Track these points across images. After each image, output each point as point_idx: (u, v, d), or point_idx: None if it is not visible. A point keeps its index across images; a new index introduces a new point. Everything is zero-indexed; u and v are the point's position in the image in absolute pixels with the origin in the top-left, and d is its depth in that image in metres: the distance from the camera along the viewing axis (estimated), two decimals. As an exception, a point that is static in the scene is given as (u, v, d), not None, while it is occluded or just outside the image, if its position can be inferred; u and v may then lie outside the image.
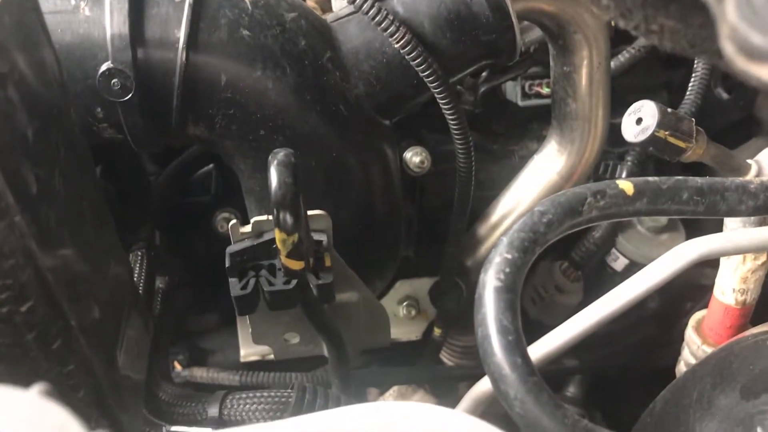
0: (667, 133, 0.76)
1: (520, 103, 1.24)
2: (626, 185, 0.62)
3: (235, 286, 0.74)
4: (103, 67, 0.71)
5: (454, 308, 1.03)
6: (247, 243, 0.75)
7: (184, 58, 0.72)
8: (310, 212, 0.77)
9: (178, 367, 1.19)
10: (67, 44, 0.71)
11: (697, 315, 1.00)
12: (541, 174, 1.03)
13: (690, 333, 0.99)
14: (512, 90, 1.24)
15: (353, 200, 0.86)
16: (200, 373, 1.17)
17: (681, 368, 1.02)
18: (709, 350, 0.95)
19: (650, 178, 0.64)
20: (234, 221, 0.75)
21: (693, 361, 0.99)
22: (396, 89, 0.84)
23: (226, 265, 0.74)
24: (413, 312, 1.03)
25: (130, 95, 0.72)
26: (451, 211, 1.01)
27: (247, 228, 0.76)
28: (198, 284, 1.15)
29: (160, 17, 0.73)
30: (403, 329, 1.04)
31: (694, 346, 0.97)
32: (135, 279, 0.86)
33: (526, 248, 0.56)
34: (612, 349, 1.26)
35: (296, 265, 0.63)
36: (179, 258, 1.07)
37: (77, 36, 0.71)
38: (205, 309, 1.24)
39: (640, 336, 1.28)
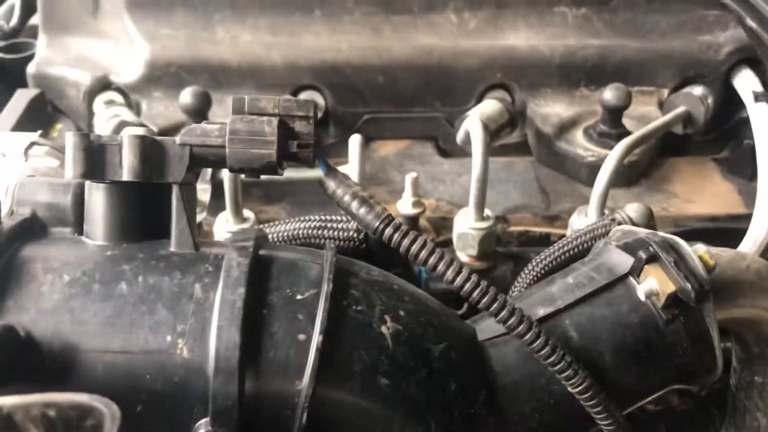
0: None
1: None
2: None
3: None
4: (200, 431, 0.54)
5: None
6: None
7: (303, 420, 0.55)
8: None
9: None
10: (156, 394, 0.55)
11: None
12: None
13: None
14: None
15: None
16: None
17: None
18: None
19: None
20: None
21: None
22: (560, 430, 0.65)
23: None
24: None
25: (230, 463, 0.55)
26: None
27: None
28: None
29: (277, 363, 0.56)
30: None
31: None
32: None
33: None
34: None
35: None
36: None
37: (170, 385, 0.55)
38: None
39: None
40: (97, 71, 1.24)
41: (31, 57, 1.28)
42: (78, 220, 0.63)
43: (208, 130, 0.60)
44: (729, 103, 1.27)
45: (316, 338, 0.56)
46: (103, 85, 1.24)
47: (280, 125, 0.59)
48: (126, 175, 0.59)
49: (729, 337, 0.80)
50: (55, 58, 1.26)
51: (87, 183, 0.62)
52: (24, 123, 1.14)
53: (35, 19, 1.37)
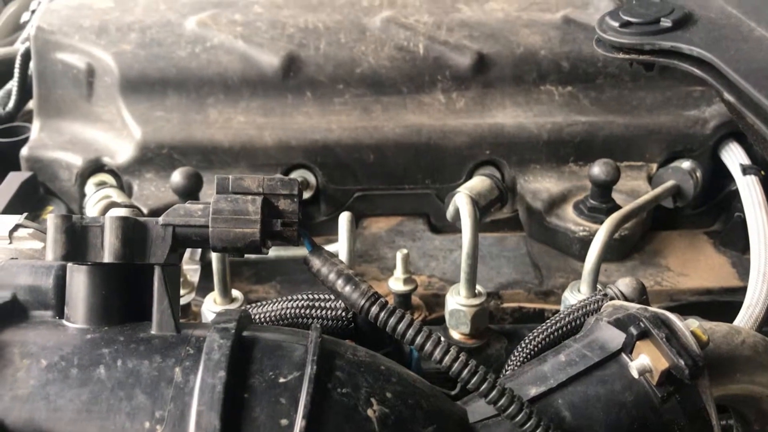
0: None
1: None
2: None
3: None
4: None
5: None
6: None
7: None
8: None
9: None
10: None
11: None
12: None
13: None
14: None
15: None
16: None
17: None
18: None
19: None
20: None
21: None
22: None
23: None
24: None
25: None
26: None
27: None
28: None
29: (259, 447, 0.54)
30: None
31: None
32: None
33: None
34: None
35: None
36: None
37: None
38: None
39: None
40: (90, 154, 1.25)
41: (26, 141, 1.30)
42: (59, 303, 0.62)
43: (192, 210, 0.60)
44: (718, 177, 1.28)
45: (299, 423, 0.54)
46: (96, 167, 1.25)
47: (264, 204, 0.59)
48: (107, 257, 0.58)
49: (730, 415, 0.78)
50: (49, 141, 1.28)
51: (68, 265, 0.61)
52: (15, 205, 1.14)
53: (32, 104, 1.39)
